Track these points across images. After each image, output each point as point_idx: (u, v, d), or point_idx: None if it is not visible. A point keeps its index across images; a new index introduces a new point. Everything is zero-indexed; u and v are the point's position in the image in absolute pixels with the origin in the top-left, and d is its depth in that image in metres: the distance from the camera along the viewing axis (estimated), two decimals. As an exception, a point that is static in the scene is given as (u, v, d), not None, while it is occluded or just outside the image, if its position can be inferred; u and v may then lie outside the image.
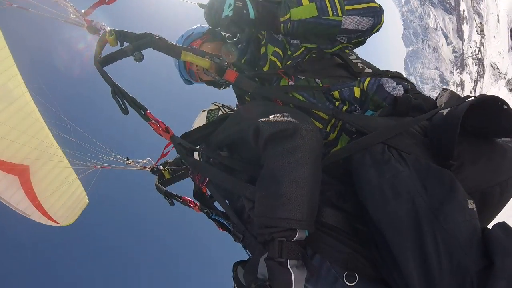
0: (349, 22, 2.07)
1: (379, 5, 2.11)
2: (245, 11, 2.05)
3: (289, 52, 2.21)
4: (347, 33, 2.16)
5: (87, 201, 4.24)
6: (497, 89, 67.57)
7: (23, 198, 3.63)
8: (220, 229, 2.29)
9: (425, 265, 1.32)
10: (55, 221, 4.03)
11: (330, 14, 2.04)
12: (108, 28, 2.15)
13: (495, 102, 1.66)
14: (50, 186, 3.81)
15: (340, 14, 2.04)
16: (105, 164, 3.08)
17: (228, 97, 2.47)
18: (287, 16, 2.06)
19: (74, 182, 3.93)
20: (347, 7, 2.04)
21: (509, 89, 54.91)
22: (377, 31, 2.20)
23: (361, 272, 1.60)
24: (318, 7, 2.03)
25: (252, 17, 2.07)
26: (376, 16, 2.11)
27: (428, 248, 1.33)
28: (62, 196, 3.96)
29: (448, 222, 1.35)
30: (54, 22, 2.25)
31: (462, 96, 1.91)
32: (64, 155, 3.76)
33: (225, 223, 2.19)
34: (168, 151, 3.01)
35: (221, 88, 2.71)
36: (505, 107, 1.65)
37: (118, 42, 2.16)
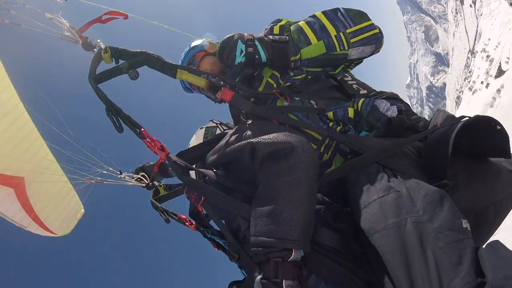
0: (354, 53, 2.14)
1: (379, 29, 2.18)
2: (257, 56, 2.08)
3: (291, 74, 2.23)
4: (351, 62, 2.25)
5: (83, 210, 4.23)
6: (497, 3, 67.41)
7: (19, 210, 3.61)
8: (216, 249, 2.28)
9: (416, 283, 1.31)
10: (51, 232, 4.01)
11: (338, 49, 2.10)
12: (103, 45, 2.14)
13: (488, 122, 1.67)
14: (46, 197, 3.79)
15: (346, 48, 2.10)
16: (99, 179, 3.07)
17: (227, 114, 2.46)
18: (298, 56, 2.11)
19: (70, 192, 3.92)
20: (352, 40, 2.10)
21: (510, 3, 54.09)
22: (377, 52, 2.27)
23: None
24: (326, 45, 2.08)
25: (264, 61, 2.11)
26: (377, 43, 2.19)
27: (418, 267, 1.32)
28: (58, 206, 3.95)
29: (442, 240, 1.35)
30: (47, 36, 2.24)
31: (456, 116, 1.92)
32: (59, 165, 3.75)
33: (220, 242, 2.18)
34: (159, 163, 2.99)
35: (216, 103, 2.71)
36: (498, 127, 1.67)
37: (113, 59, 2.15)
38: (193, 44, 2.88)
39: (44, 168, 3.61)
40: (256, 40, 2.09)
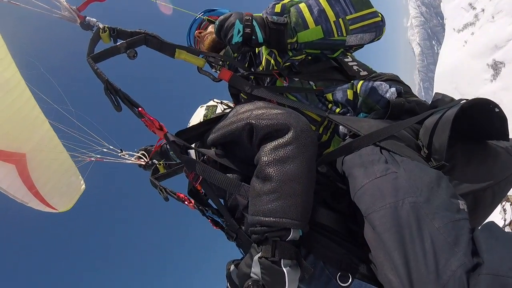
0: (353, 40, 2.11)
1: (382, 17, 2.15)
2: (254, 37, 2.06)
3: (290, 54, 2.22)
4: (349, 48, 2.23)
5: (84, 187, 4.26)
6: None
7: (20, 186, 3.63)
8: (214, 227, 2.32)
9: (413, 264, 1.32)
10: (53, 208, 4.04)
11: (336, 35, 2.07)
12: (101, 25, 2.13)
13: (487, 104, 1.66)
14: (47, 173, 3.81)
15: (344, 34, 2.08)
16: (99, 156, 3.09)
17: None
18: (294, 39, 2.09)
19: (71, 168, 3.94)
20: (351, 27, 2.07)
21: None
22: (377, 40, 2.25)
23: (354, 273, 1.62)
24: (324, 30, 2.06)
25: (261, 41, 2.08)
26: (378, 30, 2.16)
27: (416, 246, 1.33)
28: (59, 182, 3.97)
29: (439, 220, 1.36)
30: (47, 16, 2.22)
31: (455, 99, 1.92)
32: (60, 142, 3.77)
33: (219, 221, 2.22)
34: (161, 145, 3.02)
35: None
36: (497, 110, 1.66)
37: (112, 39, 2.15)
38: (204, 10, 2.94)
39: (46, 145, 3.63)
40: (253, 21, 2.07)
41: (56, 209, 4.09)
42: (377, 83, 2.01)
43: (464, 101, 1.72)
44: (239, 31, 2.04)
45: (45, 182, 3.82)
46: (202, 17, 2.72)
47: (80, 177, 4.18)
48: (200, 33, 2.87)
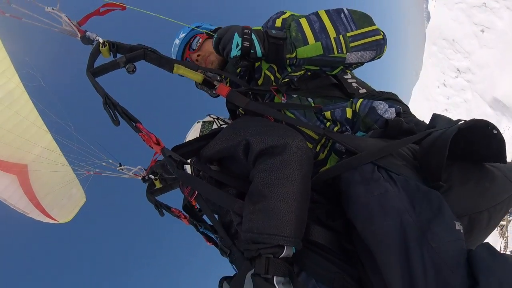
0: (353, 58, 2.10)
1: (383, 35, 2.14)
2: (252, 50, 2.06)
3: (289, 69, 2.23)
4: (349, 65, 2.22)
5: (85, 199, 4.29)
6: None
7: (22, 197, 3.67)
8: (208, 243, 2.31)
9: (411, 283, 1.33)
10: (53, 219, 4.06)
11: (335, 52, 2.06)
12: (101, 39, 2.15)
13: (485, 126, 1.66)
14: (48, 184, 3.84)
15: (344, 52, 2.06)
16: (98, 170, 3.11)
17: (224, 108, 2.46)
18: (293, 55, 2.09)
19: (72, 180, 3.97)
20: (351, 44, 2.06)
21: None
22: (378, 58, 2.24)
23: None
24: (324, 46, 2.05)
25: (260, 55, 2.08)
26: (378, 49, 2.15)
27: (415, 265, 1.33)
28: (60, 194, 4.00)
29: (435, 240, 1.36)
30: (48, 30, 2.25)
31: (453, 120, 1.91)
32: (61, 153, 3.80)
33: (213, 236, 2.21)
34: (156, 159, 3.02)
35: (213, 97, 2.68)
36: (495, 131, 1.65)
37: (111, 53, 2.17)
38: (197, 24, 2.79)
39: (47, 157, 3.66)
40: (252, 34, 2.06)
41: (57, 220, 4.11)
42: (376, 102, 2.00)
43: (462, 122, 1.71)
44: (237, 45, 2.04)
45: (46, 193, 3.84)
46: (201, 30, 2.69)
47: (81, 189, 4.20)
48: (198, 55, 2.71)
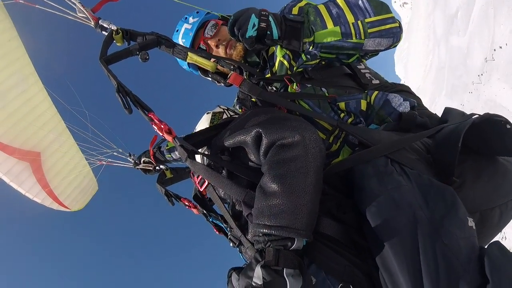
0: (370, 44, 2.09)
1: (399, 24, 2.12)
2: (268, 32, 2.03)
3: (304, 58, 2.19)
4: (366, 53, 2.20)
5: (97, 187, 4.31)
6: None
7: (34, 185, 3.68)
8: (218, 233, 2.31)
9: (422, 278, 1.32)
10: (65, 207, 4.08)
11: (354, 38, 2.05)
12: (114, 27, 2.14)
13: (499, 121, 1.63)
14: (62, 172, 3.85)
15: (363, 38, 2.05)
16: (109, 160, 3.12)
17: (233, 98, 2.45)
18: (311, 39, 2.06)
19: (85, 168, 3.99)
20: (370, 30, 2.04)
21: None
22: (394, 47, 2.22)
23: (356, 285, 1.58)
24: (343, 32, 2.04)
25: (276, 38, 2.06)
26: (395, 37, 2.13)
27: (427, 261, 1.33)
28: (73, 182, 4.02)
29: (448, 237, 1.35)
30: (62, 18, 2.25)
31: (466, 113, 1.89)
32: (75, 142, 3.82)
33: (222, 226, 2.21)
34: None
35: (225, 86, 2.64)
36: (508, 126, 1.63)
37: (125, 41, 2.16)
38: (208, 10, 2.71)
39: (61, 142, 3.67)
40: (270, 16, 2.04)
41: (69, 208, 4.14)
42: (391, 95, 1.99)
43: (476, 116, 1.70)
44: (254, 25, 2.02)
45: (59, 181, 3.86)
46: (217, 13, 2.64)
47: (94, 178, 4.23)
48: (219, 40, 2.56)
